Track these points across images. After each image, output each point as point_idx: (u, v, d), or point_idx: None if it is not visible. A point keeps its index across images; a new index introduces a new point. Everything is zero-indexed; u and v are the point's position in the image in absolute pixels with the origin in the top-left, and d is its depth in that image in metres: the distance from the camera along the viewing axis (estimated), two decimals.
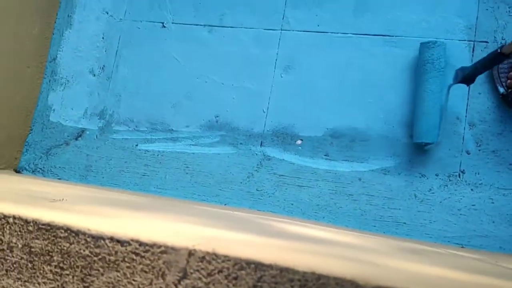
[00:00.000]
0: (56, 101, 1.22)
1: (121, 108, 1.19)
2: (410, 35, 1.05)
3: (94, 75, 1.22)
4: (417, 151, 1.00)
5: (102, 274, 0.35)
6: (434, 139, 0.95)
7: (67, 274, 0.37)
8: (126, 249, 0.33)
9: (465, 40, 1.02)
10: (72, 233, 0.37)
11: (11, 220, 0.39)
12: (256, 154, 1.08)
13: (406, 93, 1.02)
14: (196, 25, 1.18)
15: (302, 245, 0.50)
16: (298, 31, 1.12)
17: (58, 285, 0.38)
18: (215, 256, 0.34)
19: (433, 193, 0.97)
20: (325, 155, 1.05)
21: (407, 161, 1.00)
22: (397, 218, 0.97)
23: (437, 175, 0.98)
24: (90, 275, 0.36)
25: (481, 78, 0.98)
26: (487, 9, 1.02)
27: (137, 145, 1.15)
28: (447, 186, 0.97)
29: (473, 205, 0.95)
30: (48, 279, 0.37)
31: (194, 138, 1.13)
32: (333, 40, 1.09)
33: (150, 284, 0.33)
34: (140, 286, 0.33)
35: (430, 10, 1.05)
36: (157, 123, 1.15)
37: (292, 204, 1.03)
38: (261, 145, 1.09)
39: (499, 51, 0.82)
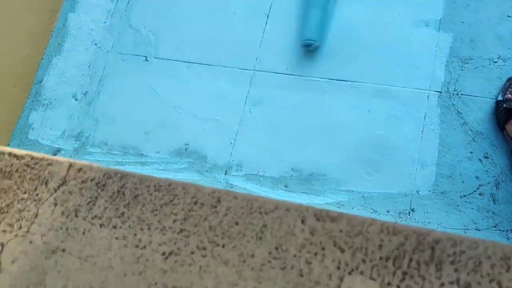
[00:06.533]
0: (37, 120, 1.28)
1: (97, 131, 1.24)
2: (370, 82, 1.13)
3: (76, 99, 1.29)
4: (370, 186, 1.04)
5: None
6: (316, 38, 1.08)
7: None
8: (20, 162, 0.38)
9: (420, 89, 1.10)
10: None
11: None
12: (220, 181, 1.13)
13: (361, 135, 1.09)
14: (177, 60, 1.27)
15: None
16: (269, 72, 1.20)
17: None
18: (90, 167, 0.40)
19: None
20: (284, 187, 1.09)
21: (360, 197, 1.04)
22: None
23: (388, 211, 1.02)
24: None
25: (454, 130, 1.05)
26: (441, 63, 1.11)
27: None
28: (397, 222, 1.00)
29: None
30: None
31: (162, 164, 1.17)
32: (299, 83, 1.17)
33: (35, 189, 0.37)
34: (27, 191, 0.37)
35: (395, 60, 1.14)
36: (129, 147, 1.21)
37: None
38: (225, 173, 1.13)
39: None
